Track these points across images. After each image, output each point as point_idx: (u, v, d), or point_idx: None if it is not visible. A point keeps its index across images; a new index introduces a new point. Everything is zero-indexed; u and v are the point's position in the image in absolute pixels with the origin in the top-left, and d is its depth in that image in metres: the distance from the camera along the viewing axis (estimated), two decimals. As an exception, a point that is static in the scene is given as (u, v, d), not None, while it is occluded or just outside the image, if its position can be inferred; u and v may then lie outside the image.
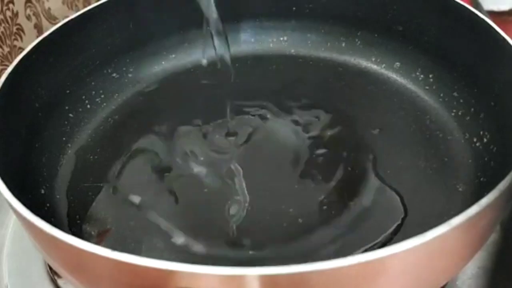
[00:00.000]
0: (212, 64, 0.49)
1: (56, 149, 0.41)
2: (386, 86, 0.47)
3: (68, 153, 0.42)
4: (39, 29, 0.51)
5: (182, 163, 0.41)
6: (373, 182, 0.39)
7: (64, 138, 0.42)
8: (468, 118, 0.41)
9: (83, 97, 0.45)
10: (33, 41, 0.40)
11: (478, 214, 0.27)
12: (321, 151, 0.41)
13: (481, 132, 0.40)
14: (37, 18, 0.51)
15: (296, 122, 0.44)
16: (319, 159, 0.40)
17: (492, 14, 0.57)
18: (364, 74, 0.48)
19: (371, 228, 0.36)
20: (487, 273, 0.36)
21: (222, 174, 0.40)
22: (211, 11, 0.39)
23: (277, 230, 0.36)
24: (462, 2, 0.42)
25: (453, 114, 0.43)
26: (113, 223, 0.37)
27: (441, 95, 0.44)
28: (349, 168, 0.39)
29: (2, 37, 0.47)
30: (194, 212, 0.38)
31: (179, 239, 0.36)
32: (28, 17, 0.50)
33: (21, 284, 0.37)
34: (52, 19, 0.52)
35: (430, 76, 0.45)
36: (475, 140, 0.40)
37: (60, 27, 0.42)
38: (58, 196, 0.39)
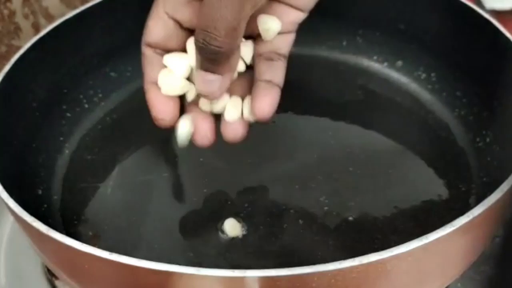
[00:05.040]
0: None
1: (53, 149, 0.41)
2: (388, 84, 0.46)
3: (66, 153, 0.42)
4: (36, 27, 0.51)
5: (181, 163, 0.41)
6: (374, 182, 0.38)
7: (61, 138, 0.42)
8: (471, 117, 0.41)
9: (81, 96, 0.44)
10: (30, 39, 0.40)
11: (481, 215, 0.27)
12: (321, 150, 0.41)
13: (484, 132, 0.39)
14: (34, 17, 0.50)
15: (296, 122, 0.44)
16: (319, 159, 0.40)
17: (494, 13, 0.57)
18: (365, 72, 0.48)
19: (372, 229, 0.35)
20: (489, 274, 0.36)
21: (222, 174, 0.40)
22: None
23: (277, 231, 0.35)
24: (465, 1, 0.41)
25: (455, 113, 0.43)
26: (110, 224, 0.37)
27: (444, 94, 0.44)
28: (351, 168, 0.39)
29: (0, 35, 0.47)
30: (193, 212, 0.37)
31: (177, 239, 0.36)
32: (26, 16, 0.49)
33: (18, 286, 0.37)
34: (50, 18, 0.52)
35: (433, 75, 0.45)
36: (478, 140, 0.40)
37: (58, 25, 0.41)
38: (55, 197, 0.39)
